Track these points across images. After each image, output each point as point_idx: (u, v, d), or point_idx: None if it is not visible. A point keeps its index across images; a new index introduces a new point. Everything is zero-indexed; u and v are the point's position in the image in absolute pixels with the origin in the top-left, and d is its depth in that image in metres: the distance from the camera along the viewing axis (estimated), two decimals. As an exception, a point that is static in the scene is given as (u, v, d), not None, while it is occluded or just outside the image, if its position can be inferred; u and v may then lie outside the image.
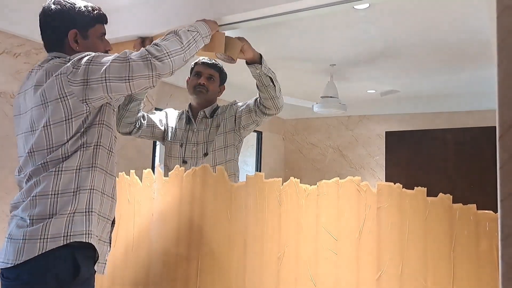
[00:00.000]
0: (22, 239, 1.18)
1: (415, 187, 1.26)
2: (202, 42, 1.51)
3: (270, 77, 1.83)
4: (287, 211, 1.41)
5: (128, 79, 1.26)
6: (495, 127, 0.55)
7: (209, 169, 1.60)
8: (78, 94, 1.25)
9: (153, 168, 1.78)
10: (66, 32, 1.37)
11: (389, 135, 4.35)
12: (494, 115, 0.55)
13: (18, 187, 1.34)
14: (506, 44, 0.49)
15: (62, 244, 1.19)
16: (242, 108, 2.01)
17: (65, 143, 1.26)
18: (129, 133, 2.00)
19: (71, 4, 1.38)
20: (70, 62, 1.27)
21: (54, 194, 1.23)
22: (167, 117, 2.12)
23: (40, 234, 1.18)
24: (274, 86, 1.84)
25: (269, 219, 1.43)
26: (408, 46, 2.67)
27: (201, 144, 2.01)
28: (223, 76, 2.10)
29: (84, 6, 1.40)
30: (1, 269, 1.21)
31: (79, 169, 1.27)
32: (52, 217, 1.21)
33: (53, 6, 1.37)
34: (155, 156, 3.85)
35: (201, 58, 2.06)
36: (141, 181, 1.75)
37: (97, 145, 1.31)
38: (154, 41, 1.38)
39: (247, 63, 1.83)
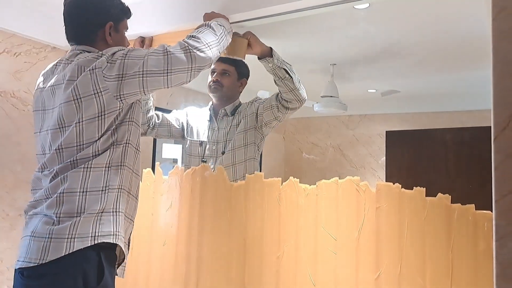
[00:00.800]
0: (48, 237, 1.12)
1: (414, 187, 1.26)
2: (229, 37, 1.48)
3: (284, 69, 1.75)
4: (287, 211, 1.41)
5: (167, 73, 1.22)
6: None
7: (209, 169, 1.60)
8: (112, 90, 1.20)
9: (153, 168, 1.77)
10: (103, 24, 1.31)
11: (389, 134, 4.35)
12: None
13: (36, 184, 1.26)
14: (501, 46, 0.50)
15: (90, 245, 1.14)
16: (263, 104, 1.93)
17: (96, 141, 1.21)
18: (144, 133, 1.95)
19: None
20: (104, 56, 1.22)
21: (82, 192, 1.18)
22: (187, 116, 2.06)
23: (68, 233, 1.13)
24: (291, 77, 1.76)
25: (269, 218, 1.43)
26: (409, 45, 2.67)
27: (221, 142, 1.94)
28: (240, 70, 1.99)
29: None
30: (20, 268, 1.14)
31: (109, 167, 1.22)
32: (80, 215, 1.16)
33: None
34: (155, 155, 3.85)
35: None
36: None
37: (126, 143, 1.27)
38: (189, 34, 1.34)
39: (259, 58, 1.76)
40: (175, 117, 2.04)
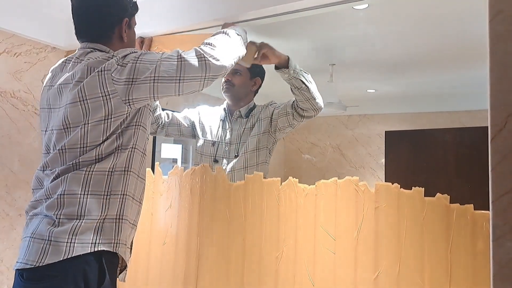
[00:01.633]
0: (48, 239, 1.10)
1: (413, 187, 1.27)
2: (244, 48, 1.43)
3: (301, 79, 1.73)
4: (286, 211, 1.41)
5: (179, 80, 1.17)
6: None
7: (208, 169, 1.61)
8: (121, 94, 1.16)
9: (153, 168, 1.78)
10: (121, 20, 1.27)
11: (388, 134, 4.36)
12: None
13: (37, 184, 1.24)
14: (498, 49, 0.50)
15: (89, 252, 1.12)
16: (279, 110, 1.91)
17: (100, 144, 1.17)
18: (154, 133, 1.94)
19: None
20: (114, 58, 1.18)
21: (84, 194, 1.15)
22: (200, 114, 2.03)
23: (67, 238, 1.10)
24: (308, 87, 1.74)
25: (268, 218, 1.44)
26: (408, 46, 2.67)
27: (233, 144, 1.93)
28: (253, 68, 1.93)
29: None
30: (20, 269, 1.11)
31: (112, 171, 1.19)
32: (80, 219, 1.13)
33: None
34: (155, 155, 3.85)
35: None
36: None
37: (133, 148, 1.23)
38: (206, 40, 1.30)
39: (276, 67, 1.75)
40: (185, 116, 2.01)
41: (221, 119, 1.99)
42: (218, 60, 1.23)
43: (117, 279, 1.28)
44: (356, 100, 4.28)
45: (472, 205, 1.19)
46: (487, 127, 0.55)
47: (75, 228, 1.11)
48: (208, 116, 2.03)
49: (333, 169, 4.98)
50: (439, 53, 2.84)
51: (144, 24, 1.85)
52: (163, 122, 1.92)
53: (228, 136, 1.95)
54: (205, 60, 1.20)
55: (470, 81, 3.56)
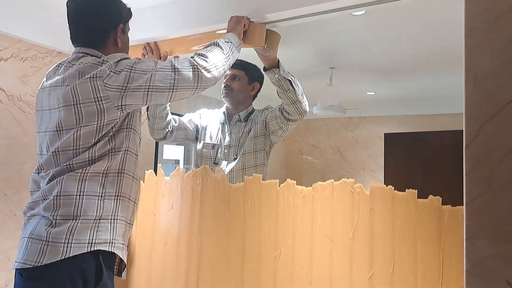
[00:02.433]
0: (45, 240, 1.13)
1: (407, 189, 1.31)
2: (237, 52, 1.49)
3: (289, 81, 1.78)
4: (284, 212, 1.45)
5: (173, 89, 1.23)
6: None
7: (208, 170, 1.65)
8: (113, 100, 1.19)
9: (155, 169, 1.82)
10: (116, 26, 1.30)
11: (388, 136, 4.40)
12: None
13: (34, 186, 1.28)
14: (472, 63, 0.55)
15: (86, 251, 1.15)
16: (271, 113, 1.97)
17: (92, 146, 1.21)
18: (164, 138, 1.97)
19: None
20: (106, 64, 1.21)
21: (79, 195, 1.18)
22: (201, 118, 2.09)
23: (65, 238, 1.13)
24: (294, 90, 1.78)
25: (266, 219, 1.47)
26: (405, 50, 2.71)
27: (232, 147, 1.98)
28: (251, 74, 2.00)
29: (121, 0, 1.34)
30: (19, 269, 1.15)
31: (106, 173, 1.22)
32: (76, 219, 1.16)
33: None
34: (157, 156, 3.89)
35: None
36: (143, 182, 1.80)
37: (126, 151, 1.27)
38: (199, 52, 1.35)
39: (265, 69, 1.80)
40: (190, 120, 2.06)
41: (220, 123, 2.03)
42: (209, 71, 1.29)
43: (115, 276, 1.32)
44: (356, 102, 4.32)
45: (463, 206, 1.23)
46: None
47: (71, 229, 1.14)
48: (209, 120, 2.07)
49: (333, 170, 5.02)
50: (435, 57, 2.88)
51: (148, 29, 1.90)
52: (172, 126, 1.96)
53: (227, 139, 1.99)
54: (198, 72, 1.26)
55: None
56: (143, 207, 1.78)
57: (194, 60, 1.28)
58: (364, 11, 1.96)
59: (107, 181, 1.22)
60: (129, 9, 1.37)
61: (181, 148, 4.99)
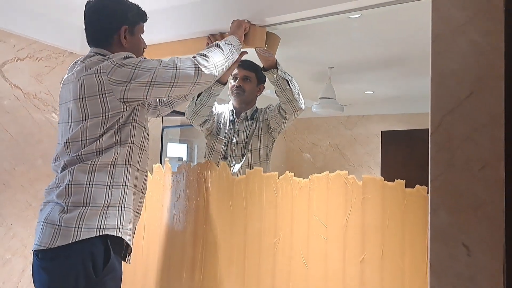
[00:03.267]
0: (58, 224, 1.22)
1: (395, 180, 1.41)
2: (236, 54, 1.56)
3: (287, 80, 1.87)
4: (283, 201, 1.53)
5: (173, 85, 1.30)
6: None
7: (213, 164, 1.75)
8: (116, 93, 1.27)
9: (161, 163, 1.92)
10: (118, 28, 1.37)
11: (384, 134, 4.49)
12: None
13: (54, 173, 1.38)
14: (437, 64, 0.66)
15: (95, 235, 1.23)
16: (271, 112, 2.08)
17: (98, 138, 1.28)
18: (201, 125, 2.04)
19: None
20: (110, 60, 1.28)
21: (89, 184, 1.26)
22: (216, 111, 2.15)
23: (75, 223, 1.22)
24: (291, 89, 1.87)
25: (267, 208, 1.56)
26: (401, 51, 2.78)
27: (240, 144, 2.08)
28: (260, 76, 2.07)
29: (131, 3, 1.41)
30: (35, 250, 1.25)
31: (114, 165, 1.30)
32: (86, 206, 1.25)
33: (105, 1, 1.37)
34: (162, 151, 4.00)
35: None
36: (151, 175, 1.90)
37: (131, 144, 1.34)
38: (200, 52, 1.43)
39: (264, 69, 1.89)
40: (213, 112, 2.11)
41: (230, 120, 2.13)
42: (209, 70, 1.37)
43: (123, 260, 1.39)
44: (354, 102, 4.40)
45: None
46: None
47: (81, 215, 1.23)
48: (220, 115, 2.16)
49: (332, 167, 5.10)
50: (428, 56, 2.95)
51: (157, 32, 1.99)
52: (210, 117, 2.04)
53: (236, 136, 2.09)
54: (198, 70, 1.34)
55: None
56: (152, 198, 1.87)
57: (195, 59, 1.36)
58: (360, 15, 2.06)
59: (115, 172, 1.30)
60: (141, 11, 1.46)
61: (184, 146, 5.09)
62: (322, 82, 3.41)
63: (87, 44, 1.43)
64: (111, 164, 1.29)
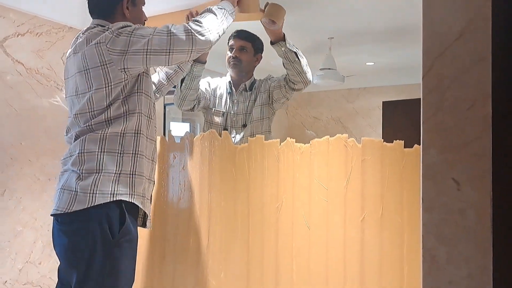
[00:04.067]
0: (74, 191, 1.28)
1: (394, 141, 1.43)
2: (231, 18, 1.55)
3: (295, 53, 1.87)
4: (284, 167, 1.57)
5: (168, 52, 1.31)
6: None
7: (215, 134, 1.78)
8: (116, 63, 1.29)
9: (165, 135, 1.95)
10: None
11: (385, 105, 4.49)
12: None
13: (67, 144, 1.42)
14: (429, 12, 0.67)
15: (109, 201, 1.29)
16: (274, 83, 2.08)
17: (106, 109, 1.32)
18: (192, 109, 2.06)
19: None
20: (109, 30, 1.31)
21: (100, 152, 1.31)
22: (210, 86, 2.17)
23: (90, 189, 1.28)
24: (300, 61, 1.88)
25: (269, 175, 1.60)
26: (403, 17, 2.73)
27: (240, 115, 2.09)
28: (257, 45, 2.08)
29: None
30: (55, 214, 1.31)
31: (124, 134, 1.34)
32: (99, 173, 1.30)
33: None
34: (165, 123, 4.04)
35: (233, 32, 2.08)
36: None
37: (139, 113, 1.37)
38: (193, 18, 1.44)
39: (272, 43, 1.89)
40: (205, 88, 2.13)
41: (227, 92, 2.13)
42: (203, 35, 1.37)
43: (140, 227, 1.47)
44: (355, 73, 4.38)
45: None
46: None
47: (95, 181, 1.29)
48: (216, 88, 2.17)
49: (335, 141, 5.13)
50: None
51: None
52: (199, 98, 2.05)
53: (235, 107, 2.10)
54: (192, 35, 1.34)
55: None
56: (157, 168, 1.92)
57: (188, 25, 1.37)
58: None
59: (125, 141, 1.34)
60: None
61: (187, 125, 5.12)
62: (322, 53, 3.39)
63: (90, 15, 1.44)
64: (120, 134, 1.33)
